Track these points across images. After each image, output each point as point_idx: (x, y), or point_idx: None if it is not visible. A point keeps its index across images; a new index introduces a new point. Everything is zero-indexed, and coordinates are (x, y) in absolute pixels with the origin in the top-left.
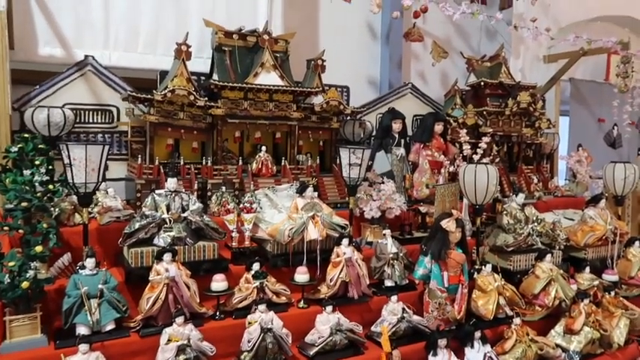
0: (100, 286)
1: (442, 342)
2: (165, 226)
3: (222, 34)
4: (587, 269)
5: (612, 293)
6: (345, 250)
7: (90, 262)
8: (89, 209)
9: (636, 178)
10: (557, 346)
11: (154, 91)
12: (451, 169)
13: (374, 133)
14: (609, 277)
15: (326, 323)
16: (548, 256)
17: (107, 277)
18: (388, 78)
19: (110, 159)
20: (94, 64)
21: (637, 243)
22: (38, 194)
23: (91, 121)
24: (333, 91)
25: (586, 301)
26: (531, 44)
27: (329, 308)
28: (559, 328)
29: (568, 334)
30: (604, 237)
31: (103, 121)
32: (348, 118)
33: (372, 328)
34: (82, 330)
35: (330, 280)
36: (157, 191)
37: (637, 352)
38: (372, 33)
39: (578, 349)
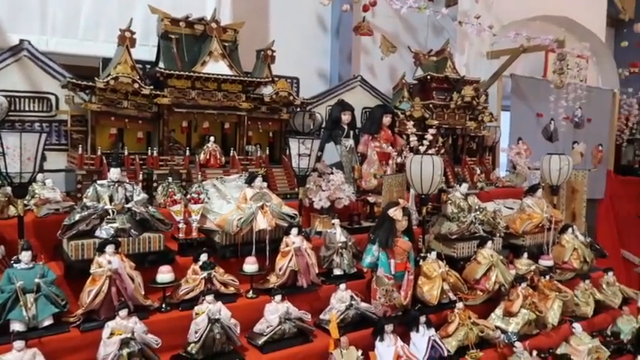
0: (36, 280)
1: (389, 327)
2: (108, 217)
3: (169, 22)
4: (525, 255)
5: (547, 277)
6: (294, 239)
7: (25, 256)
8: (25, 201)
9: (570, 169)
10: (497, 327)
11: (96, 79)
12: (398, 160)
13: (323, 125)
14: (545, 262)
15: (275, 312)
16: (489, 243)
17: (45, 271)
18: (338, 70)
19: (48, 149)
20: (29, 49)
21: (570, 230)
22: None
23: (27, 109)
24: (282, 82)
25: (523, 285)
26: (475, 40)
27: (278, 297)
28: (498, 311)
29: (507, 316)
30: (540, 224)
31: (41, 109)
32: (298, 109)
33: (321, 316)
34: (16, 326)
35: (279, 270)
36: (99, 182)
37: (569, 331)
38: (322, 26)
39: (516, 330)
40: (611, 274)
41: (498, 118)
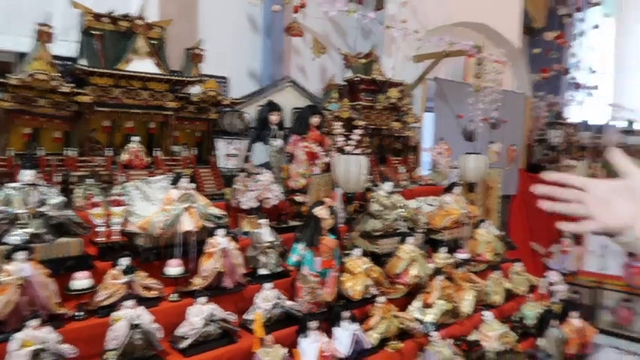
0: None
1: (313, 324)
2: (20, 222)
3: (91, 17)
4: (444, 249)
5: (463, 269)
6: (220, 240)
7: None
8: None
9: (486, 168)
10: (416, 319)
11: (9, 75)
12: (326, 159)
13: (253, 125)
14: (461, 255)
15: (199, 314)
16: (411, 239)
17: None
18: (269, 71)
19: None
20: None
21: (484, 224)
22: None
23: None
24: (211, 82)
25: (440, 277)
26: (401, 44)
27: (202, 299)
28: (417, 303)
29: (425, 307)
30: (458, 220)
31: None
32: (228, 109)
33: (246, 316)
34: None
35: (204, 271)
36: (9, 184)
37: (480, 320)
38: (253, 26)
39: (433, 320)
40: (518, 264)
41: (422, 119)
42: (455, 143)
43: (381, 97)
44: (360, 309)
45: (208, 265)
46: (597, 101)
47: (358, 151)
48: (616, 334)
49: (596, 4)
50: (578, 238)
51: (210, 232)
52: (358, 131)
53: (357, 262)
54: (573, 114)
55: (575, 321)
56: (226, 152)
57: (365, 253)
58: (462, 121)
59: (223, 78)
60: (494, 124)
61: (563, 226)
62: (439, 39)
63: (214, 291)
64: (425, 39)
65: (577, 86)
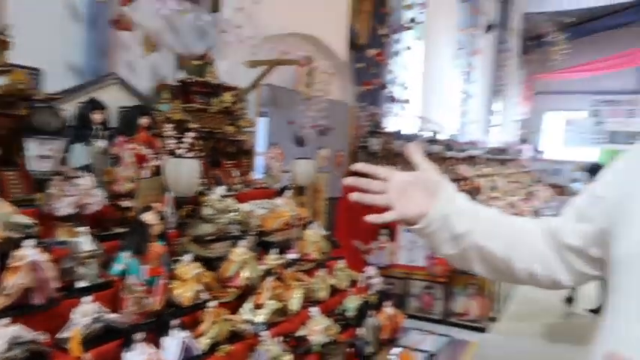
0: None
1: (138, 336)
2: None
3: None
4: (275, 250)
5: (292, 269)
6: (28, 252)
7: None
8: None
9: (315, 172)
10: (247, 320)
11: None
12: (156, 162)
13: (72, 124)
14: (291, 255)
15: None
16: (244, 242)
17: None
18: (92, 65)
19: None
20: None
21: (312, 225)
22: None
23: None
24: (19, 73)
25: (271, 278)
26: (237, 49)
27: (3, 321)
28: (248, 304)
29: (256, 308)
30: (289, 222)
31: None
32: (41, 105)
33: (60, 335)
34: None
35: (8, 289)
36: None
37: (307, 316)
38: (74, 14)
39: (264, 320)
40: (341, 261)
41: (256, 123)
42: (287, 148)
43: (215, 100)
44: (190, 315)
45: (13, 282)
46: (409, 113)
47: (191, 154)
48: (420, 318)
49: (409, 28)
50: (392, 235)
51: (17, 244)
52: (191, 134)
53: (188, 267)
54: (390, 124)
55: (388, 309)
56: (39, 153)
57: (197, 258)
58: (294, 127)
59: (35, 69)
60: (323, 131)
61: (370, 217)
62: (273, 47)
63: (21, 310)
64: (260, 46)
65: (392, 99)
